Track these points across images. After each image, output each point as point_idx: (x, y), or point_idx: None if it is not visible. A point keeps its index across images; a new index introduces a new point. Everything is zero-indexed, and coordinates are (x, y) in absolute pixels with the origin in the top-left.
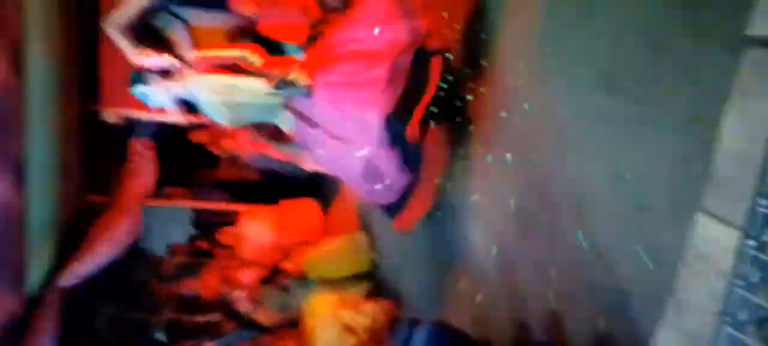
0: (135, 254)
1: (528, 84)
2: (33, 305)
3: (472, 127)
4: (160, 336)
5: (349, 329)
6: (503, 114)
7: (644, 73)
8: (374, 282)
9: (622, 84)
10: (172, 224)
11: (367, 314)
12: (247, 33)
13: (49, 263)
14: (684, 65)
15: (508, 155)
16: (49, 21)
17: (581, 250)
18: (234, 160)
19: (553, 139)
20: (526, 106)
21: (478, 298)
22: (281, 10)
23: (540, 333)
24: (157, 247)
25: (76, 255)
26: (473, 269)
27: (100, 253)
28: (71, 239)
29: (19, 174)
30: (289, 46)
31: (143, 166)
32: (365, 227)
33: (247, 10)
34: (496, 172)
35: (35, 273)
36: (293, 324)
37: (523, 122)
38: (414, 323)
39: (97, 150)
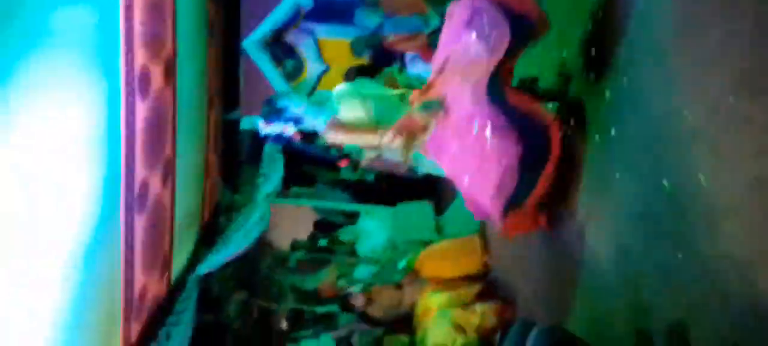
0: (262, 248)
1: (658, 88)
2: (175, 290)
3: (595, 131)
4: (283, 324)
5: (459, 327)
6: (630, 118)
7: None
8: (486, 284)
9: (761, 85)
10: (296, 222)
11: (477, 314)
12: (369, 45)
13: (189, 253)
14: None
15: (632, 159)
16: (198, 39)
17: (714, 259)
18: (356, 165)
19: (684, 143)
20: (654, 110)
21: (597, 306)
22: (402, 22)
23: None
24: (283, 242)
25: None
26: (593, 275)
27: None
28: (208, 231)
29: (169, 172)
30: (409, 55)
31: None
32: (480, 228)
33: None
34: (620, 177)
35: (178, 261)
36: (405, 320)
37: (650, 127)
38: (528, 325)
39: (234, 153)
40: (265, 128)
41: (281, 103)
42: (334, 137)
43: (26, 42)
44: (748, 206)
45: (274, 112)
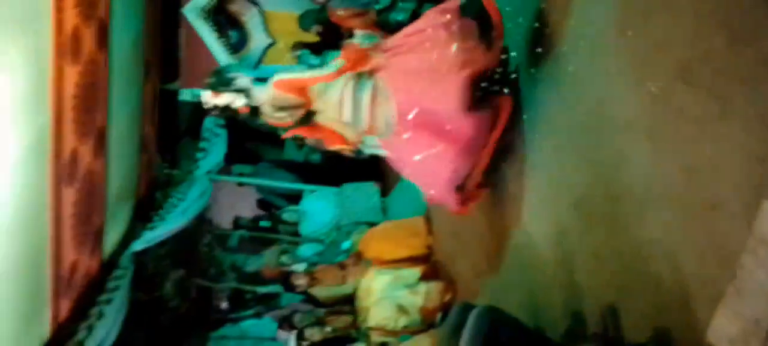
0: (202, 225)
1: (597, 78)
2: (108, 267)
3: (534, 114)
4: (223, 304)
5: (402, 308)
6: (569, 101)
7: (724, 67)
8: (430, 265)
9: (700, 76)
10: (238, 199)
11: (421, 294)
12: (318, 20)
13: (123, 229)
14: (766, 61)
15: (572, 145)
16: (134, 3)
17: (645, 244)
18: (301, 143)
19: (622, 130)
20: (592, 98)
21: (534, 287)
22: None
23: (594, 326)
24: (224, 220)
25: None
26: (529, 257)
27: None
28: (144, 207)
29: (101, 143)
30: (359, 33)
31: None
32: (424, 210)
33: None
34: (558, 161)
35: (111, 237)
36: (349, 301)
37: (590, 111)
38: (467, 307)
39: (172, 126)
40: (212, 99)
41: (231, 72)
42: (271, 112)
43: None
44: (679, 194)
45: (222, 83)
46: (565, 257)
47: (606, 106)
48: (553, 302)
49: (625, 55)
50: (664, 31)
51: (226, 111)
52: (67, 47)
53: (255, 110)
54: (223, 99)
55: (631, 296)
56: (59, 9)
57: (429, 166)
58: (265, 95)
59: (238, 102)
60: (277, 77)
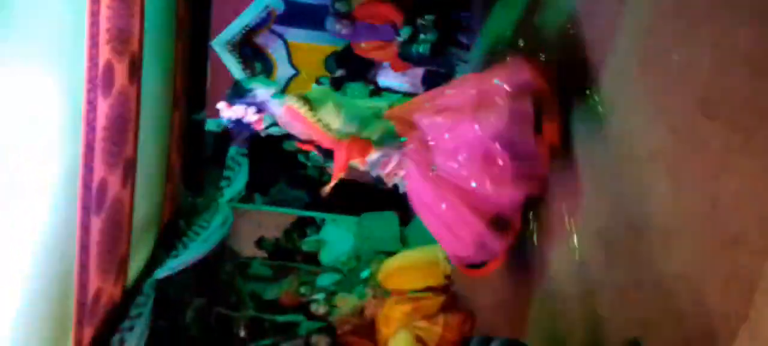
0: (223, 253)
1: (621, 110)
2: (130, 294)
3: (557, 146)
4: (241, 332)
5: (421, 340)
6: (589, 132)
7: (745, 100)
8: (449, 296)
9: (722, 109)
10: (260, 227)
11: (440, 326)
12: (341, 56)
13: (146, 257)
14: None
15: (593, 175)
16: (166, 37)
17: (668, 278)
18: (321, 172)
19: (644, 162)
20: (615, 130)
21: (555, 320)
22: (373, 30)
23: None
24: (244, 248)
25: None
26: (551, 290)
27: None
28: (167, 234)
29: (130, 173)
30: (382, 65)
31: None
32: None
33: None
34: (580, 193)
35: (135, 264)
36: (368, 331)
37: (611, 142)
38: (486, 339)
39: (197, 155)
40: (226, 111)
41: (248, 85)
42: (287, 122)
43: None
44: (702, 227)
45: (237, 94)
46: (588, 290)
47: (627, 137)
48: (576, 336)
49: (646, 86)
50: (686, 63)
51: (240, 125)
52: (99, 80)
53: (270, 125)
54: (236, 111)
55: (655, 330)
56: (93, 44)
57: (454, 224)
58: (279, 111)
59: (251, 115)
60: (289, 102)
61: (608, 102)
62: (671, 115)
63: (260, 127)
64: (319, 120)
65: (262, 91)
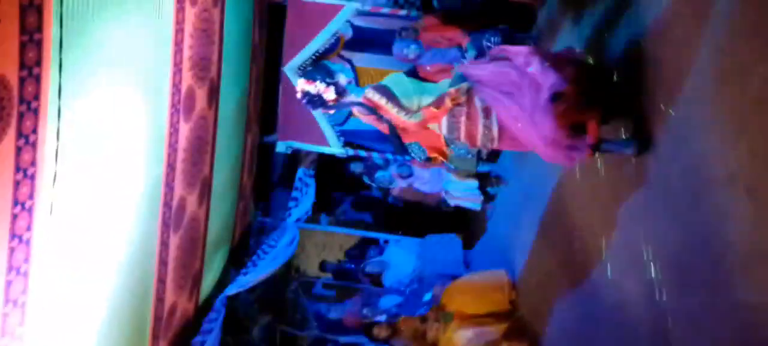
0: (289, 272)
1: (695, 126)
2: (201, 310)
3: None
4: None
5: None
6: (664, 153)
7: None
8: (513, 322)
9: None
10: (324, 249)
11: None
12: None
13: (218, 274)
14: None
15: (666, 199)
16: (241, 64)
17: (748, 308)
18: (386, 192)
19: (721, 186)
20: (693, 151)
21: None
22: (440, 54)
23: None
24: (310, 267)
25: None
26: (622, 320)
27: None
28: (238, 252)
29: (206, 193)
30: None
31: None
32: (508, 265)
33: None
34: (653, 218)
35: (207, 281)
36: None
37: (688, 165)
38: None
39: (267, 176)
40: (305, 85)
41: (334, 66)
42: (361, 111)
43: (88, 58)
44: None
45: (321, 73)
46: (659, 318)
47: (704, 159)
48: None
49: (723, 107)
50: (765, 82)
51: (315, 101)
52: (182, 105)
53: (340, 102)
54: (316, 87)
55: None
56: (177, 70)
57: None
58: (356, 99)
59: (329, 94)
60: (369, 91)
61: (684, 122)
62: (751, 137)
63: (333, 101)
64: (400, 110)
65: (343, 78)
